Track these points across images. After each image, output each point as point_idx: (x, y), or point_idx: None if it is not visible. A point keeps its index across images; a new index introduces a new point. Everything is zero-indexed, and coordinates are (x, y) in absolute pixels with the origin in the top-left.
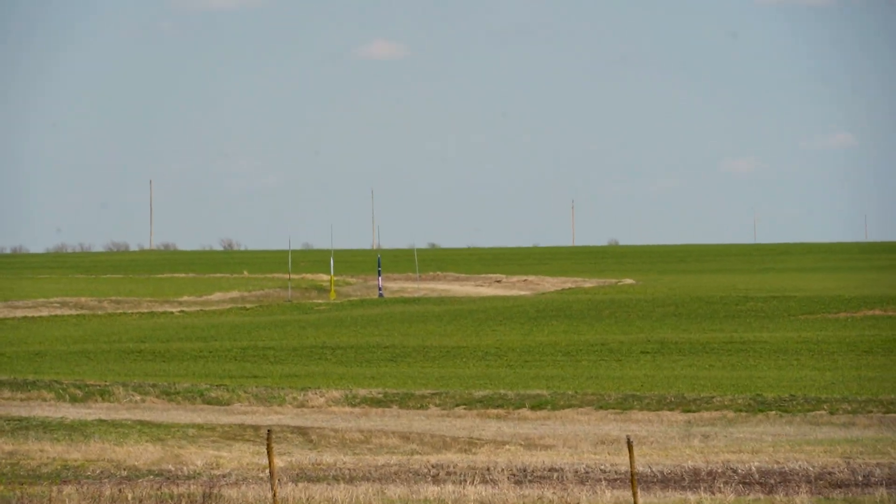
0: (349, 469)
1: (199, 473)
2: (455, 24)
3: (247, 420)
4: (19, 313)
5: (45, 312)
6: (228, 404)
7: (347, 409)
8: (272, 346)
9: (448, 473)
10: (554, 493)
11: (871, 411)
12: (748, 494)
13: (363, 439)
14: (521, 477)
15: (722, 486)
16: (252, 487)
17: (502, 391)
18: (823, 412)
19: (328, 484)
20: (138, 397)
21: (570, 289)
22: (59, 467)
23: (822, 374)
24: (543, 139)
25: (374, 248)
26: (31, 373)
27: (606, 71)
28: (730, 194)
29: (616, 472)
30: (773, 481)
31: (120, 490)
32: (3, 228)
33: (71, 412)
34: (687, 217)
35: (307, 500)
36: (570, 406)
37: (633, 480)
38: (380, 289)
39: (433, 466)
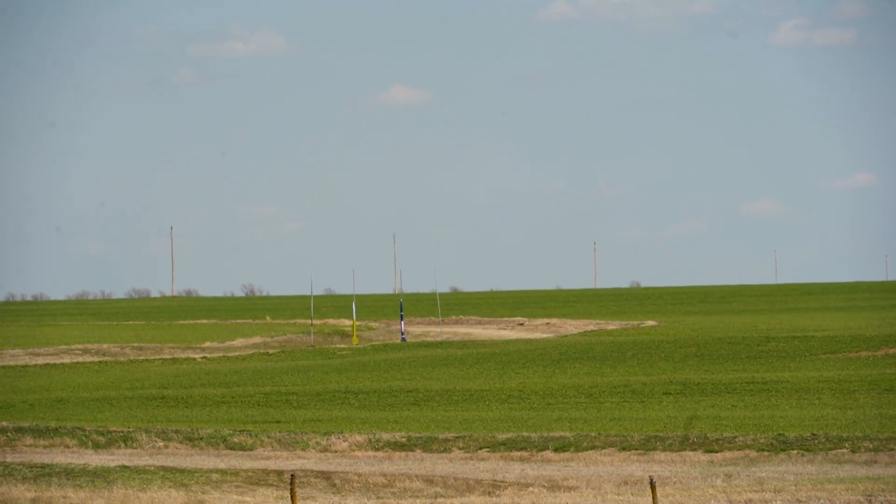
0: None
1: None
2: (475, 68)
3: (270, 465)
4: (41, 360)
5: (67, 359)
6: (252, 449)
7: (371, 453)
8: (295, 391)
9: None
10: None
11: (892, 449)
12: None
13: (387, 483)
14: None
15: None
16: None
17: (525, 433)
18: (845, 450)
19: None
20: (161, 443)
21: (592, 331)
22: None
23: (844, 413)
24: (565, 182)
25: (397, 292)
26: (53, 420)
27: (627, 114)
28: (750, 235)
29: None
30: None
31: None
32: (25, 276)
33: (94, 459)
34: (708, 258)
35: None
36: (593, 447)
37: None
38: (402, 333)
39: None
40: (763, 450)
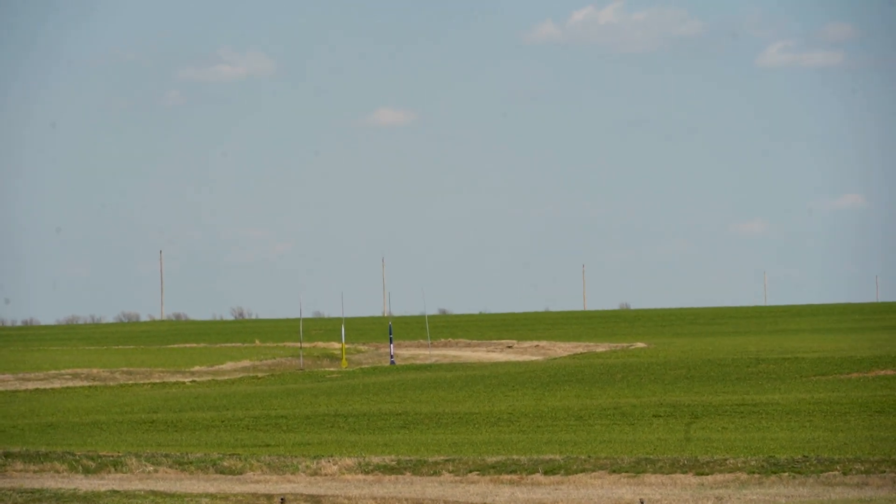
0: None
1: None
2: (462, 89)
3: (260, 489)
4: (31, 385)
5: (56, 384)
6: (241, 473)
7: (361, 476)
8: (284, 414)
9: None
10: None
11: (884, 471)
12: None
13: None
14: None
15: None
16: None
17: (515, 456)
18: (836, 473)
19: None
20: (151, 467)
21: (581, 353)
22: None
23: (835, 435)
24: (553, 204)
25: (385, 315)
26: (43, 444)
27: (614, 136)
28: (739, 256)
29: None
30: None
31: None
32: (14, 301)
33: (84, 483)
34: (697, 280)
35: None
36: (583, 470)
37: None
38: (391, 356)
39: None
40: (754, 472)
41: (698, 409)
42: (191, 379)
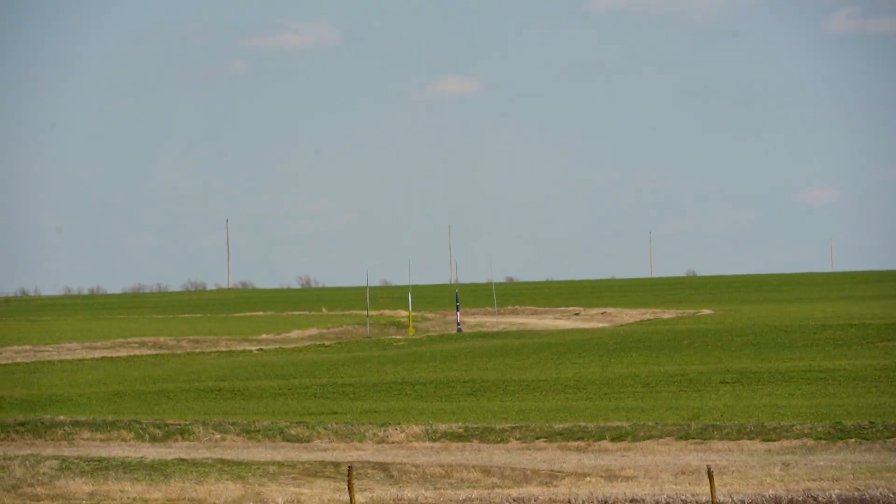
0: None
1: None
2: (525, 57)
3: (327, 457)
4: (98, 354)
5: (123, 353)
6: (308, 441)
7: (428, 444)
8: (351, 382)
9: None
10: None
11: None
12: None
13: (444, 474)
14: None
15: None
16: None
17: (582, 423)
18: None
19: None
20: (218, 436)
21: (648, 320)
22: None
23: None
24: (620, 172)
25: (452, 282)
26: (110, 413)
27: (682, 104)
28: (806, 223)
29: (697, 502)
30: None
31: None
32: (81, 270)
33: (150, 452)
34: (763, 247)
35: None
36: (650, 437)
37: None
38: (458, 324)
39: (514, 500)
40: (820, 438)
41: (764, 377)
42: (258, 347)
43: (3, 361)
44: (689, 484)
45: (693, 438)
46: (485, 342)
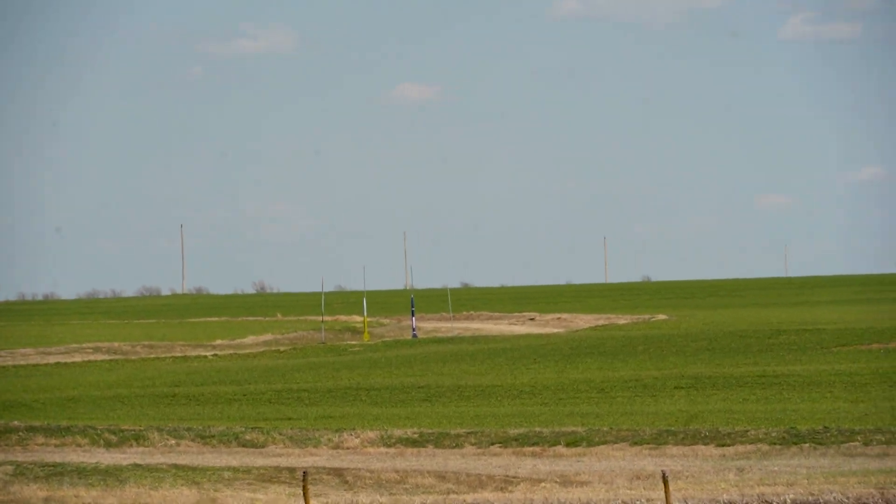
0: None
1: None
2: (484, 65)
3: (282, 462)
4: (52, 359)
5: (78, 358)
6: (263, 447)
7: (383, 449)
8: (306, 388)
9: None
10: None
11: None
12: None
13: (399, 479)
14: None
15: None
16: None
17: (537, 429)
18: (857, 443)
19: None
20: (173, 441)
21: (603, 325)
22: None
23: (856, 406)
24: (575, 177)
25: (407, 288)
26: (65, 418)
27: (637, 108)
28: (760, 229)
29: None
30: None
31: None
32: (35, 275)
33: (105, 457)
34: (718, 252)
35: None
36: (605, 442)
37: None
38: (413, 329)
39: None
40: (775, 443)
41: (718, 382)
42: (212, 353)
43: None
44: (644, 489)
45: (648, 444)
46: (440, 348)
